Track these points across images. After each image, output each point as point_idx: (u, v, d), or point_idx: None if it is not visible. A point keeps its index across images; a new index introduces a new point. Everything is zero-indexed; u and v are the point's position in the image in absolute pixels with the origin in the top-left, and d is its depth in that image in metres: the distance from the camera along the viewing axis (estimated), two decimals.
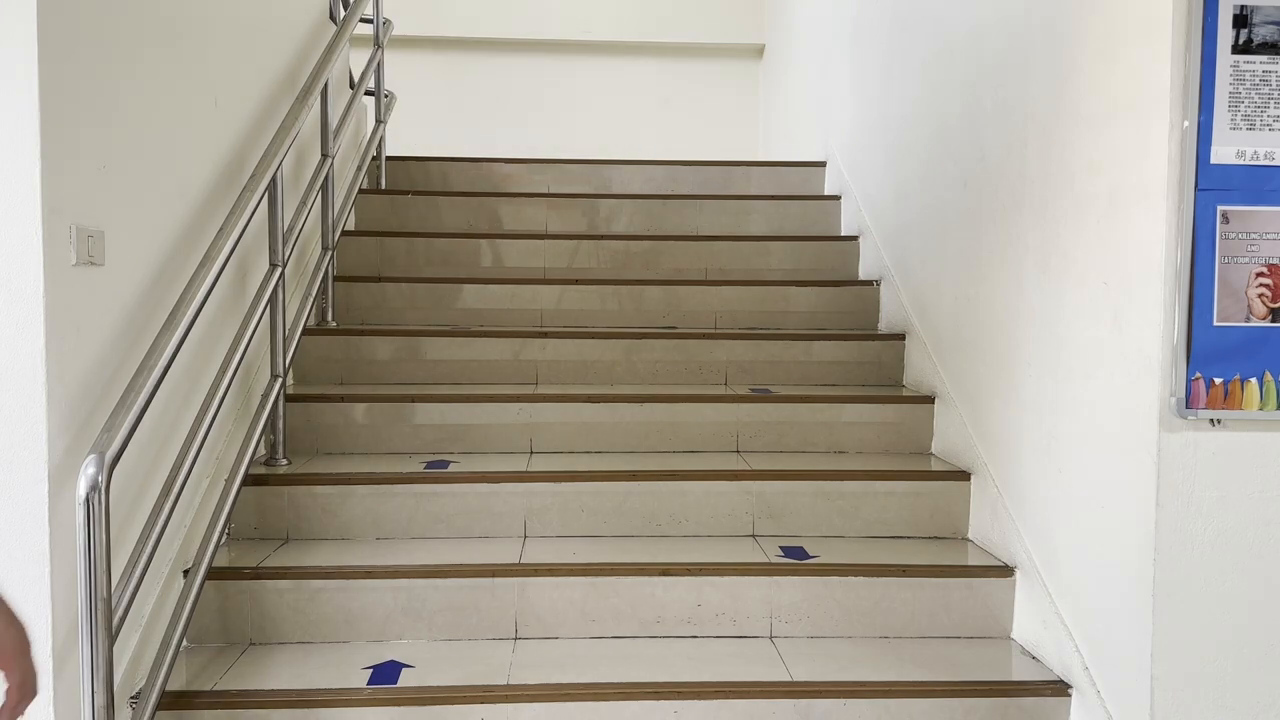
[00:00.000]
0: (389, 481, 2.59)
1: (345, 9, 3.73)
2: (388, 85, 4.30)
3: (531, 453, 2.89)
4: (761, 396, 3.01)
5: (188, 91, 2.36)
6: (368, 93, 4.18)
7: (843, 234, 4.16)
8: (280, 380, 2.67)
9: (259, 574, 2.30)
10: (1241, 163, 1.80)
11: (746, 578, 2.36)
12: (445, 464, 2.73)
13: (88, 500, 1.67)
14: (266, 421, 2.58)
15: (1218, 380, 1.83)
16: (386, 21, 4.20)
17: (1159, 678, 1.87)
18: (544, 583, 2.33)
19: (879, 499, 2.66)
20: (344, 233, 3.75)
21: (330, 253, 3.34)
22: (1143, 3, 1.89)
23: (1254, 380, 1.83)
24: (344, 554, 2.43)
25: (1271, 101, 1.80)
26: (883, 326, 3.59)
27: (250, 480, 2.53)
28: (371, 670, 2.14)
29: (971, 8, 2.76)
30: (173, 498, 1.99)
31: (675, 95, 7.01)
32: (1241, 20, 1.78)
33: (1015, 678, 2.18)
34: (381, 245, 3.77)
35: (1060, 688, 2.13)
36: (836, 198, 4.27)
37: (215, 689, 2.05)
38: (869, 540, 2.63)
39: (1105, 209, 2.02)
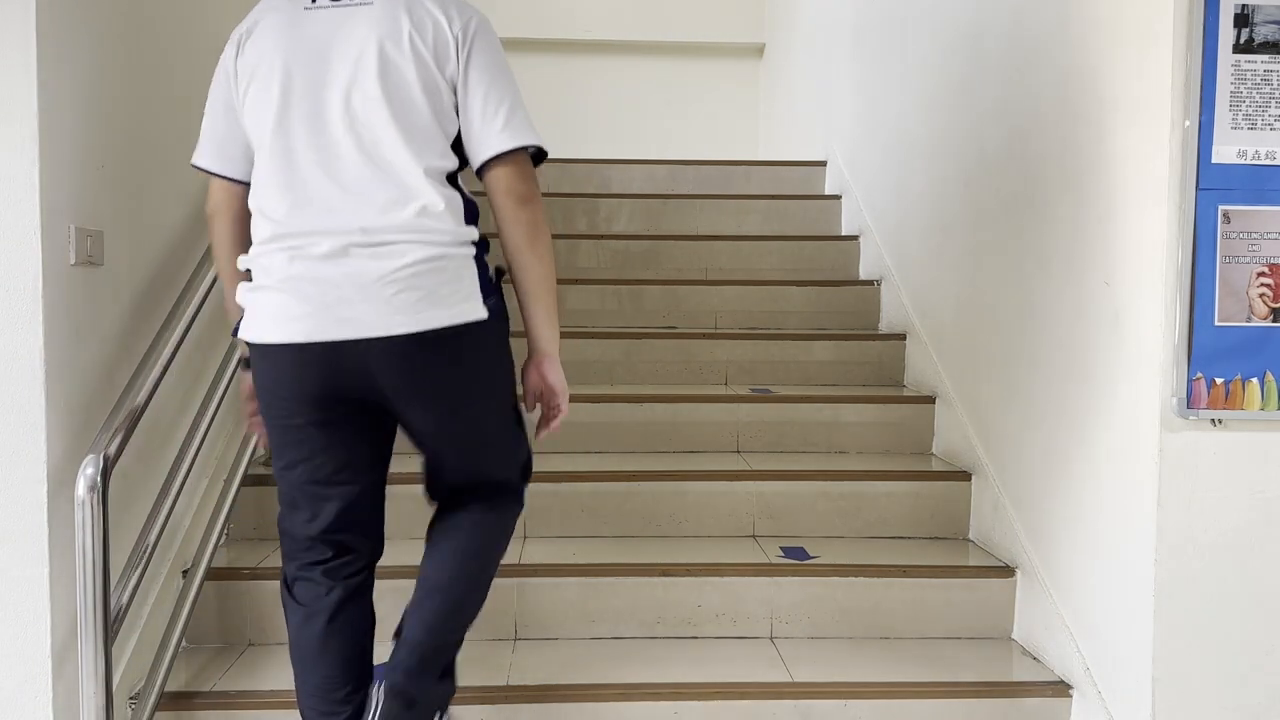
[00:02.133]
0: (388, 481, 2.58)
1: None
2: None
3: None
4: (762, 396, 3.01)
5: (187, 91, 2.36)
6: None
7: (843, 233, 4.16)
8: None
9: (258, 574, 2.29)
10: (1243, 162, 1.80)
11: (747, 578, 2.36)
12: None
13: (86, 500, 1.67)
14: None
15: (1219, 380, 1.83)
16: None
17: (1160, 678, 1.87)
18: (543, 583, 2.32)
19: (879, 499, 2.66)
20: None
21: None
22: (1144, 2, 1.88)
23: (1255, 380, 1.83)
24: None
25: (1273, 101, 1.79)
26: (883, 326, 3.59)
27: (249, 480, 2.53)
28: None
29: (972, 8, 2.76)
30: (172, 498, 1.99)
31: (676, 94, 7.01)
32: (1243, 19, 1.78)
33: (1016, 678, 2.18)
34: None
35: (1061, 688, 2.13)
36: (837, 197, 4.27)
37: (214, 689, 2.05)
38: (869, 540, 2.63)
39: (1106, 208, 2.02)
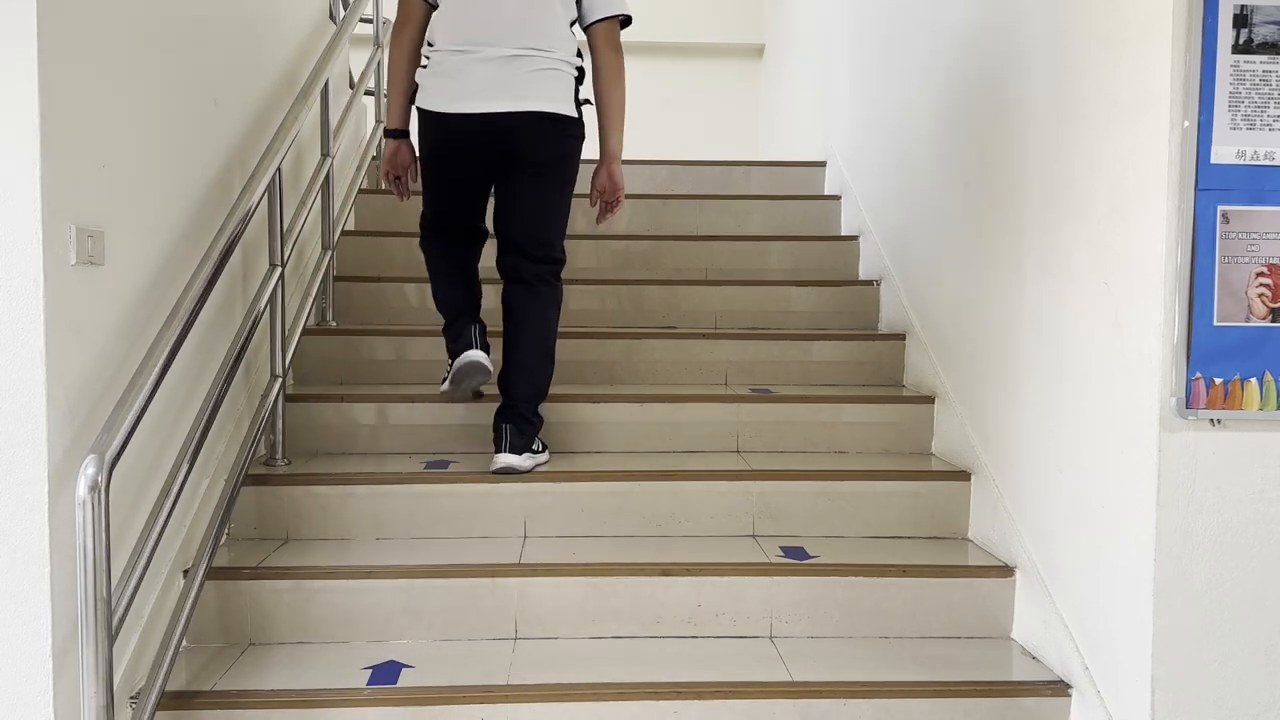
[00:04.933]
0: (389, 481, 2.59)
1: (345, 9, 3.73)
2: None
3: None
4: (761, 396, 3.01)
5: (188, 91, 2.36)
6: (367, 92, 4.18)
7: (843, 234, 4.16)
8: (280, 380, 2.67)
9: (259, 574, 2.30)
10: (1242, 163, 1.80)
11: (746, 578, 2.36)
12: (445, 464, 2.73)
13: (87, 500, 1.67)
14: (266, 421, 2.58)
15: (1218, 380, 1.83)
16: (386, 21, 4.19)
17: (1159, 678, 1.87)
18: (544, 583, 2.33)
19: (879, 499, 2.66)
20: (344, 233, 3.75)
21: (330, 252, 3.34)
22: (1143, 2, 1.89)
23: (1254, 380, 1.83)
24: (344, 554, 2.43)
25: (1272, 101, 1.80)
26: (883, 326, 3.59)
27: (250, 480, 2.53)
28: (371, 670, 2.14)
29: (971, 7, 2.76)
30: (172, 498, 1.99)
31: (675, 95, 7.00)
32: (1242, 20, 1.78)
33: (1015, 678, 2.18)
34: (381, 245, 3.77)
35: (1060, 688, 2.13)
36: (836, 197, 4.27)
37: (215, 689, 2.05)
38: (869, 540, 2.63)
39: (1105, 209, 2.02)
